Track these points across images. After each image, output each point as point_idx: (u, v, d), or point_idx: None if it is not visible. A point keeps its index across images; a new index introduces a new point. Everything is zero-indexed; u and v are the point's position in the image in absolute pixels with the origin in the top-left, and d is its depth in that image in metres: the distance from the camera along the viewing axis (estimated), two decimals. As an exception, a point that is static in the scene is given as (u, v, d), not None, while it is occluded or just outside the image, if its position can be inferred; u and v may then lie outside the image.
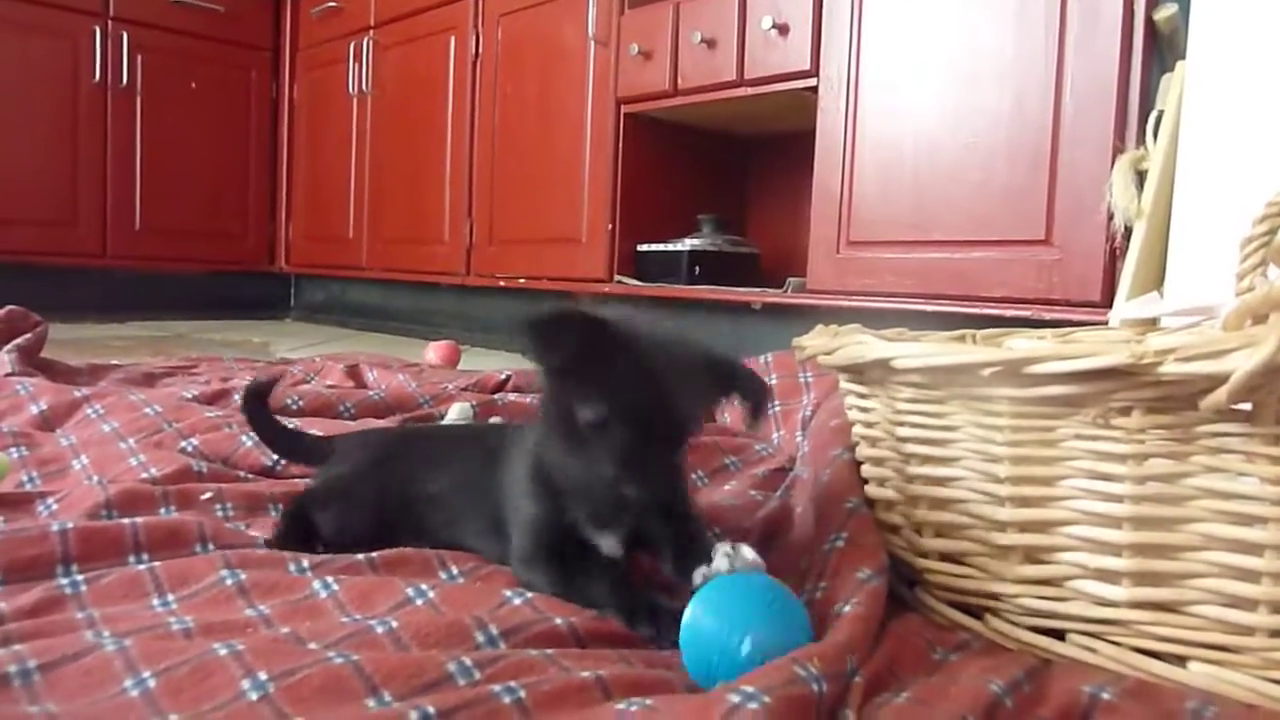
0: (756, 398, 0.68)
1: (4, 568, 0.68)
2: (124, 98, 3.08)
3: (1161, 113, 1.28)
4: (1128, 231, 1.29)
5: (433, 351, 2.07)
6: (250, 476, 1.01)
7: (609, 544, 0.69)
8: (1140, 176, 1.29)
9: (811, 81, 1.83)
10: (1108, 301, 1.39)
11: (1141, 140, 1.33)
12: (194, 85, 3.25)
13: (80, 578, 0.68)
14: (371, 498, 0.82)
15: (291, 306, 3.67)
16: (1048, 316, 1.48)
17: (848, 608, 0.60)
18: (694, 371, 0.65)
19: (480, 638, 0.58)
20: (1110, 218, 1.33)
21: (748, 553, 0.62)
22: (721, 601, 0.58)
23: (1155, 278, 1.23)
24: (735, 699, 0.47)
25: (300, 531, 0.84)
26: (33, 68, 2.90)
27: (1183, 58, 1.20)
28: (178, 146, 3.22)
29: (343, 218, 3.17)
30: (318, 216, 3.35)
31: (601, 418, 0.62)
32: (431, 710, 0.47)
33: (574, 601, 0.66)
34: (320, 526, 0.83)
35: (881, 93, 1.73)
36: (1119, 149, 1.38)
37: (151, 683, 0.51)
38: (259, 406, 0.93)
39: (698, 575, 0.61)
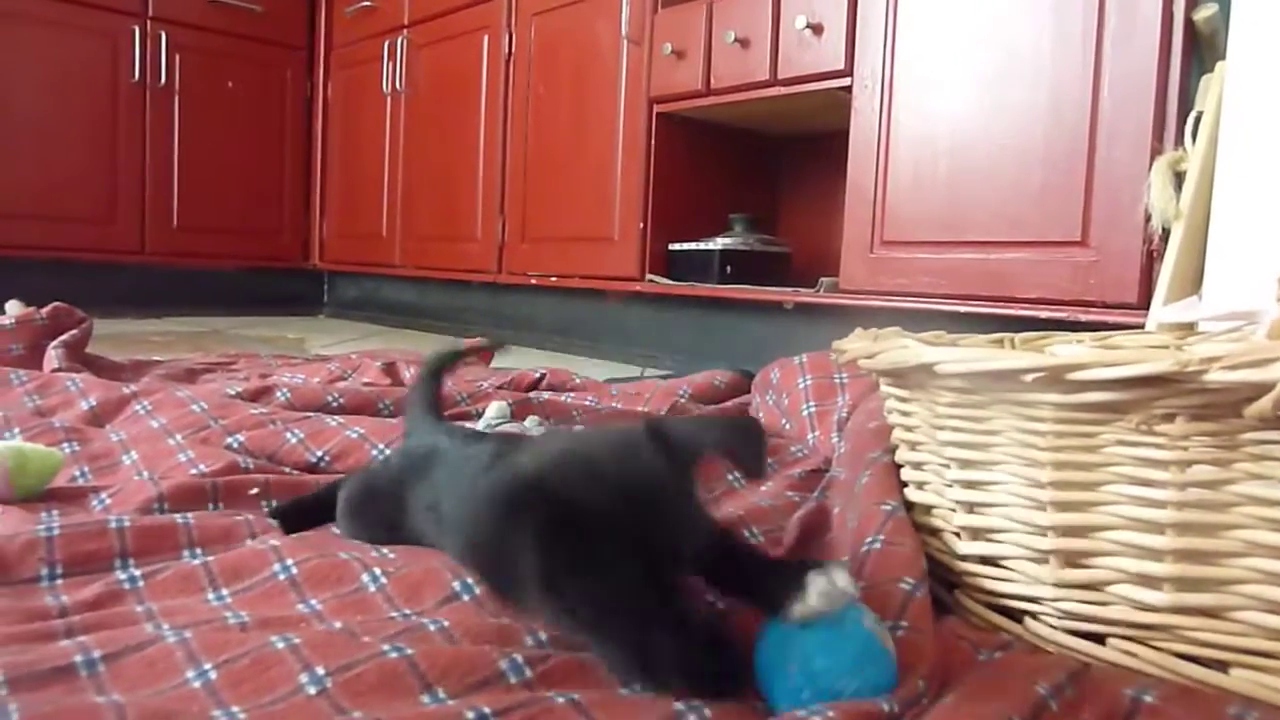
0: (756, 446, 0.61)
1: (64, 561, 0.70)
2: (162, 97, 3.13)
3: (1201, 114, 1.27)
4: (1165, 233, 1.28)
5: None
6: (295, 472, 1.03)
7: None
8: (1179, 178, 1.28)
9: (845, 81, 1.83)
10: (1144, 304, 1.38)
11: (1180, 141, 1.32)
12: (231, 84, 3.29)
13: (138, 572, 0.70)
14: (384, 512, 0.81)
15: (325, 303, 3.71)
16: (1083, 319, 1.47)
17: (901, 631, 0.59)
18: (676, 491, 0.56)
19: (529, 640, 0.59)
20: (1148, 219, 1.32)
21: (842, 580, 0.54)
22: (807, 651, 0.52)
23: (1193, 281, 1.22)
24: (801, 713, 0.48)
25: (314, 513, 0.86)
26: (73, 67, 2.94)
27: (1222, 58, 1.19)
28: (214, 145, 3.26)
29: (376, 215, 3.20)
30: (352, 214, 3.38)
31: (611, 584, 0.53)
32: (487, 710, 0.49)
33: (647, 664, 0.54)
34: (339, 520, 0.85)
35: (916, 92, 1.72)
36: (1157, 150, 1.37)
37: (213, 674, 0.52)
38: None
39: (795, 611, 0.53)
